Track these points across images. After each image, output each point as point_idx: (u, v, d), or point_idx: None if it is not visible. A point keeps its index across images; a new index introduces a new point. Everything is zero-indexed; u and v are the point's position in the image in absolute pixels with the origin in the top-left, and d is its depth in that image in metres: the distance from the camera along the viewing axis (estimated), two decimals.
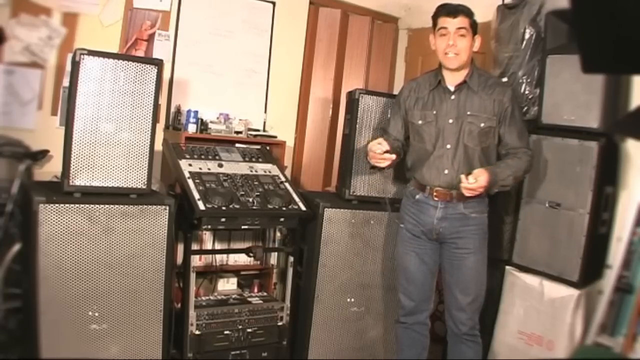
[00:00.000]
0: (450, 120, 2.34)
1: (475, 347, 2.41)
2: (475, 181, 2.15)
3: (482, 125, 2.31)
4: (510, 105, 2.34)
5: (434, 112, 2.38)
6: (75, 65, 2.18)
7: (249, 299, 2.84)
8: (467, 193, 2.20)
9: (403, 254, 2.49)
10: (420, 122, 2.41)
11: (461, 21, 2.29)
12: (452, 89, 2.36)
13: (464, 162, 2.32)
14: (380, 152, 2.26)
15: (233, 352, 2.63)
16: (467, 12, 2.31)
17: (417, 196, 2.41)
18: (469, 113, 2.32)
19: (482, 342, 2.45)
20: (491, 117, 2.32)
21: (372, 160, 2.32)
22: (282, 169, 2.97)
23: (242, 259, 2.98)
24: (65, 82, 2.81)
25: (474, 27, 2.33)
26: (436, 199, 2.34)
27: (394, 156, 2.30)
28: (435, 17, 2.36)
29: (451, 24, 2.29)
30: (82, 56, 2.19)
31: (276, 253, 3.03)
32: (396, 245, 2.57)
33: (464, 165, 2.32)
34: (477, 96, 2.33)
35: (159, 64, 2.36)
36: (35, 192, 2.15)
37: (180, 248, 2.58)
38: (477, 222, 2.35)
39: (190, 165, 2.65)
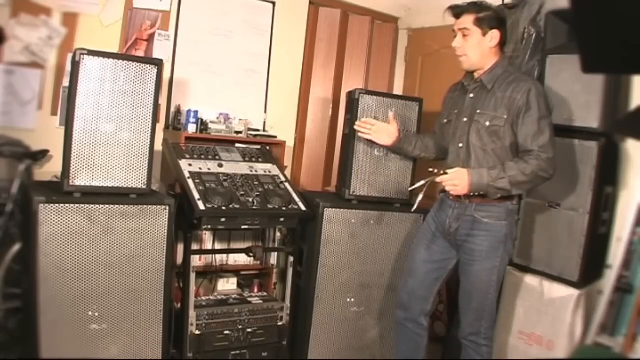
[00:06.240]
0: (465, 119, 2.32)
1: (474, 355, 2.33)
2: (446, 174, 2.18)
3: (488, 123, 2.23)
4: (525, 104, 2.16)
5: (456, 111, 2.39)
6: (75, 65, 2.19)
7: (249, 299, 2.84)
8: (446, 187, 2.23)
9: (416, 244, 2.54)
10: (444, 121, 2.46)
11: (463, 21, 2.25)
12: (470, 87, 2.35)
13: (474, 162, 2.27)
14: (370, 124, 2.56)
15: (233, 352, 2.63)
16: (470, 9, 2.24)
17: (441, 194, 2.44)
18: (478, 111, 2.28)
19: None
20: (500, 115, 2.20)
21: (360, 126, 2.60)
22: (282, 169, 2.97)
23: (242, 259, 2.98)
24: (65, 82, 2.81)
25: (482, 22, 2.21)
26: (451, 198, 2.33)
27: (370, 133, 2.57)
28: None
29: (456, 24, 2.27)
30: (82, 56, 2.19)
31: (276, 253, 3.03)
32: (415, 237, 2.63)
33: (473, 165, 2.26)
34: (492, 94, 2.25)
35: (159, 64, 2.36)
36: (35, 192, 2.15)
37: (180, 248, 2.58)
38: (490, 228, 2.24)
39: (190, 165, 2.65)
